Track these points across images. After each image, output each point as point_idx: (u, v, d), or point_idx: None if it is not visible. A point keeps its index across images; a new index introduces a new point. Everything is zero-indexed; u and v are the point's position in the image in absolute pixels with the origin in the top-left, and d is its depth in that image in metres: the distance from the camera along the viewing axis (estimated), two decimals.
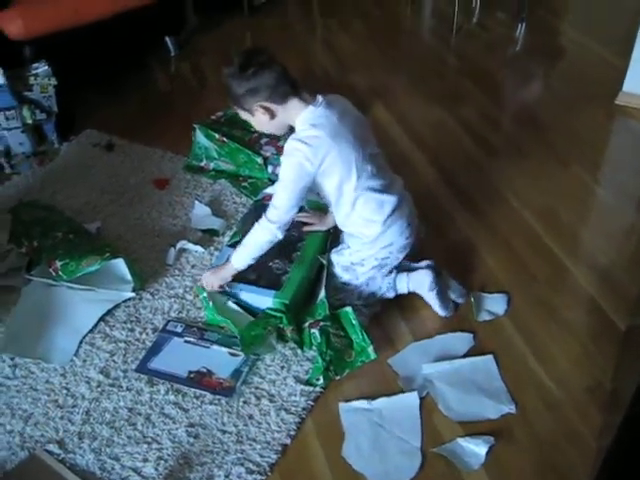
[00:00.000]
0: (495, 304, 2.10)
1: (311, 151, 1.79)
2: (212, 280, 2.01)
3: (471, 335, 2.00)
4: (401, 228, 1.98)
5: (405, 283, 2.06)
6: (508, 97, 3.45)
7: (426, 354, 1.95)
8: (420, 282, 2.04)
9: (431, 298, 2.04)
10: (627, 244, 2.37)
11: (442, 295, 2.05)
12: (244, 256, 1.95)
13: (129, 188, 2.73)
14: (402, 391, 1.85)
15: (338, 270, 2.05)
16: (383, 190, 1.94)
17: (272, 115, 1.86)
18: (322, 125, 1.82)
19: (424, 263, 2.09)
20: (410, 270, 2.07)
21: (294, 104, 1.85)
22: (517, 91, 3.46)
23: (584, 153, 2.82)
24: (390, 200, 1.95)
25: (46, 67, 2.89)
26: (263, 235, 1.90)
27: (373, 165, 1.90)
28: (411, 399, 1.82)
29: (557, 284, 2.20)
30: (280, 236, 1.89)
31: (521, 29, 3.93)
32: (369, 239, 1.97)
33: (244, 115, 1.92)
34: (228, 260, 1.99)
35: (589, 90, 3.24)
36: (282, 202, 1.86)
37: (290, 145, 1.83)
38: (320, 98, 1.86)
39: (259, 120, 1.89)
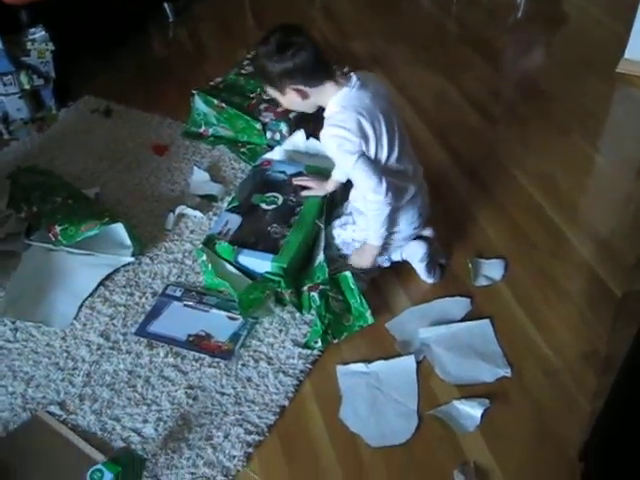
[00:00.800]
0: (492, 269, 2.11)
1: (350, 133, 1.74)
2: (368, 262, 1.98)
3: (468, 300, 2.02)
4: (412, 218, 1.97)
5: (399, 252, 2.06)
6: (509, 65, 3.42)
7: (423, 318, 1.97)
8: (413, 253, 2.04)
9: (420, 267, 2.06)
10: (626, 213, 2.37)
11: (431, 265, 2.07)
12: (379, 234, 1.90)
13: (127, 154, 2.72)
14: (399, 355, 1.87)
15: (338, 242, 2.05)
16: (404, 176, 1.91)
17: (305, 97, 1.81)
18: (354, 107, 1.76)
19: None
20: None
21: (328, 87, 1.79)
22: (518, 59, 3.43)
23: (585, 121, 2.81)
24: (409, 188, 1.92)
25: (43, 32, 2.86)
26: (383, 213, 1.83)
27: (400, 150, 1.87)
28: (408, 362, 1.84)
29: (555, 252, 2.20)
30: (392, 202, 1.82)
31: None
32: None
33: (273, 93, 1.86)
34: (362, 243, 1.98)
35: (591, 57, 3.22)
36: (368, 182, 1.79)
37: (329, 132, 1.77)
38: (354, 79, 1.79)
39: (290, 100, 1.83)
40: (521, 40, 3.53)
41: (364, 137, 1.76)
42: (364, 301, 1.94)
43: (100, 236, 2.17)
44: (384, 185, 1.79)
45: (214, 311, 2.00)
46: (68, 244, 2.18)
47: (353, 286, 1.94)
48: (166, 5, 3.74)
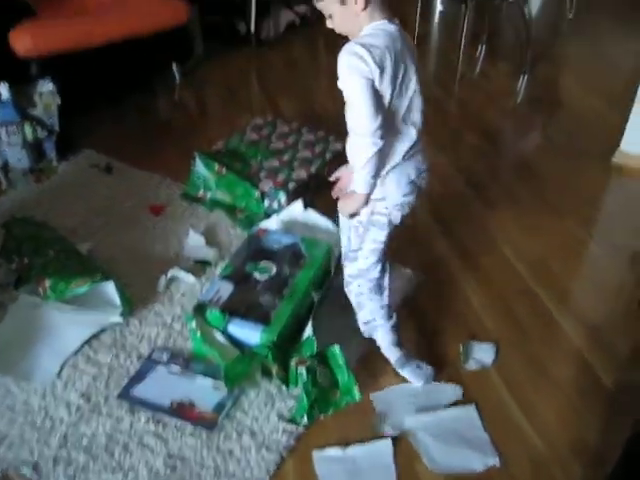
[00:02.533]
0: (483, 353, 2.09)
1: (370, 56, 1.58)
2: (352, 209, 1.80)
3: (460, 388, 1.97)
4: (404, 180, 1.87)
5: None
6: (507, 147, 3.48)
7: (409, 398, 1.93)
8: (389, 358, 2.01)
9: (404, 374, 2.00)
10: (618, 301, 2.37)
11: (412, 368, 2.00)
12: (364, 179, 1.71)
13: (124, 211, 2.72)
14: (376, 432, 1.84)
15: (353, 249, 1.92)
16: (413, 129, 1.80)
17: (366, 5, 1.60)
18: (385, 40, 1.61)
19: None
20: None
21: (378, 5, 1.62)
22: (516, 142, 3.50)
23: (579, 207, 2.84)
24: (411, 139, 1.81)
25: (51, 85, 2.91)
26: (365, 152, 1.66)
27: (417, 106, 1.76)
28: (384, 446, 1.79)
29: (546, 337, 2.19)
30: (380, 143, 1.64)
31: (523, 81, 3.98)
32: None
33: (330, 4, 1.64)
34: (352, 191, 1.77)
35: (587, 145, 3.28)
36: (360, 113, 1.62)
37: (348, 48, 1.60)
38: (397, 21, 1.67)
39: (347, 10, 1.62)
40: (520, 124, 3.61)
41: (381, 68, 1.60)
42: (352, 376, 1.91)
43: (90, 294, 2.15)
44: (379, 119, 1.62)
45: (199, 378, 1.97)
46: (57, 299, 2.16)
47: (341, 362, 1.92)
48: (174, 66, 3.82)
